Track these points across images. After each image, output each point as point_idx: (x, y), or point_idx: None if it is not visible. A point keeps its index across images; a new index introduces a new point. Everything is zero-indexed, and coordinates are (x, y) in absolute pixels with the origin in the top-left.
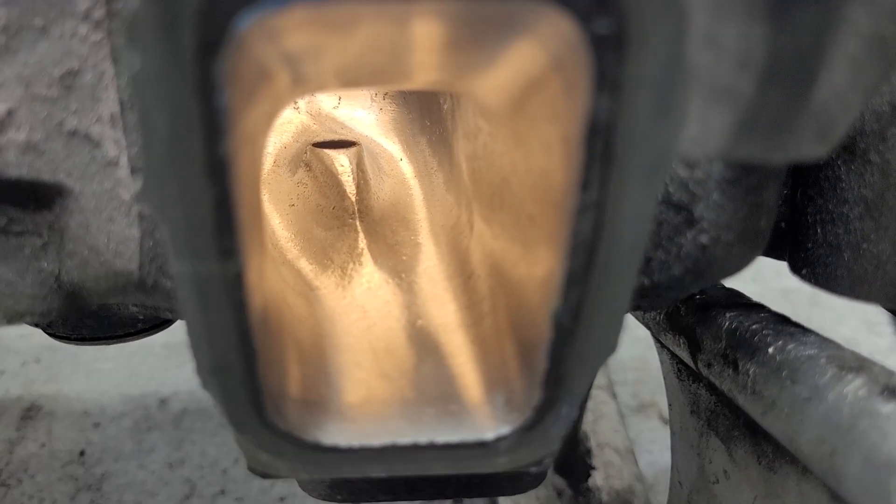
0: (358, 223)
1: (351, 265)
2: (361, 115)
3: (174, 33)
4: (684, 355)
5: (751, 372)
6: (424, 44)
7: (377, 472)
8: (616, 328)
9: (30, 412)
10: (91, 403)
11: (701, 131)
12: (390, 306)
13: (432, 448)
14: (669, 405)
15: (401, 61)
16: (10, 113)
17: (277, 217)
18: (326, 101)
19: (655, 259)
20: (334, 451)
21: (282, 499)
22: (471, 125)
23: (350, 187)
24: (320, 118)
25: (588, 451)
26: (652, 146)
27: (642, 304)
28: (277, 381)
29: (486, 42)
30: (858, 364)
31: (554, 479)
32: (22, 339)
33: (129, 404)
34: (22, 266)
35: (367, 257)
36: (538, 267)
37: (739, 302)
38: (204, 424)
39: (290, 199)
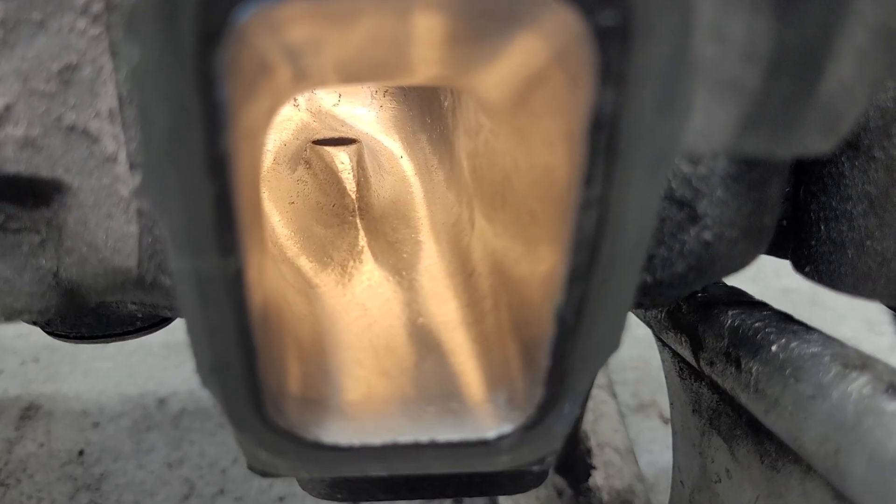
0: (358, 221)
1: (351, 263)
2: (362, 112)
3: (174, 25)
4: (686, 354)
5: (753, 370)
6: (426, 37)
7: (378, 470)
8: (619, 325)
9: (28, 412)
10: (90, 403)
11: (706, 125)
12: (391, 304)
13: (433, 447)
14: (671, 404)
15: (402, 55)
16: (7, 108)
17: (277, 214)
18: (326, 99)
19: (658, 256)
20: (335, 449)
21: (281, 498)
22: (472, 122)
23: (350, 185)
24: (320, 115)
25: (588, 451)
26: (656, 140)
27: (644, 301)
28: (277, 379)
29: (489, 35)
30: (862, 362)
31: (554, 479)
32: (20, 338)
33: (127, 404)
34: (20, 263)
35: (367, 255)
36: (540, 264)
37: (742, 300)
38: (203, 424)
39: (290, 197)
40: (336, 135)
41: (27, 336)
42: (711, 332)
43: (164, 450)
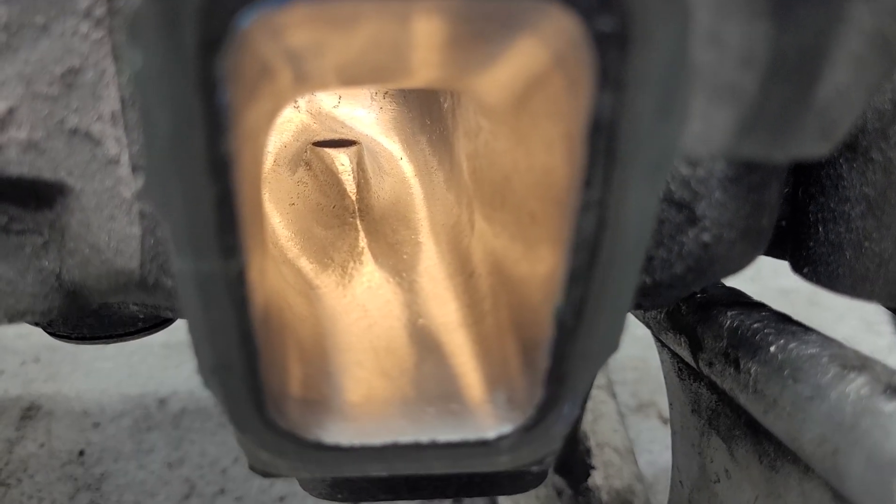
0: (358, 222)
1: (351, 264)
2: (361, 113)
3: (176, 31)
4: (685, 354)
5: (752, 371)
6: (426, 41)
7: (378, 471)
8: (618, 326)
9: (29, 412)
10: (90, 403)
11: (704, 129)
12: (391, 305)
13: (433, 447)
14: (670, 404)
15: (402, 59)
16: (11, 111)
17: (278, 216)
18: (326, 100)
19: (657, 257)
20: (335, 450)
21: (281, 498)
22: (471, 123)
23: (350, 186)
24: (320, 117)
25: (588, 451)
26: (655, 144)
27: (644, 302)
28: (279, 380)
29: (489, 39)
30: (861, 363)
31: (554, 479)
32: (21, 338)
33: (128, 404)
34: (23, 265)
35: (367, 256)
36: (540, 265)
37: (740, 301)
38: (203, 424)
39: (291, 198)
40: (336, 136)
41: (28, 336)
42: (710, 332)
43: (165, 450)
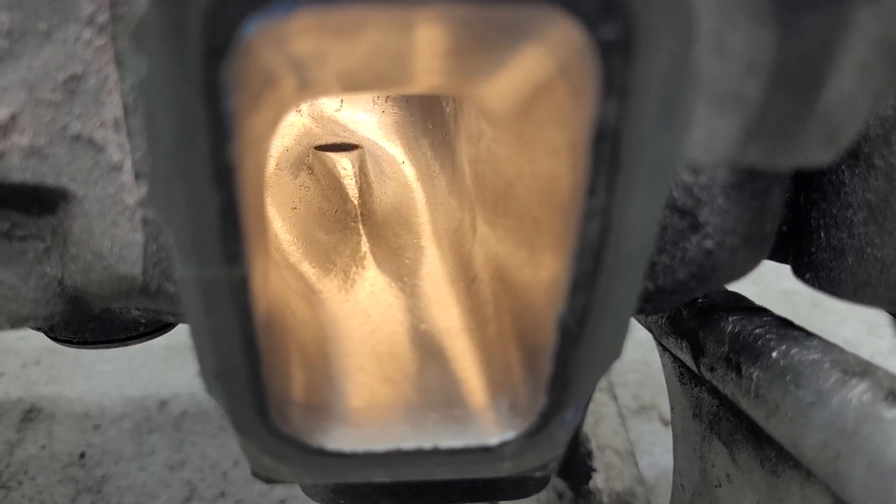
0: (360, 226)
1: (354, 269)
2: (364, 118)
3: (181, 38)
4: (687, 359)
5: (754, 376)
6: (429, 49)
7: (381, 477)
8: (621, 333)
9: (30, 414)
10: (91, 405)
11: (707, 137)
12: (393, 310)
13: (436, 453)
14: (672, 408)
15: (405, 66)
16: (13, 117)
17: (280, 220)
18: (329, 105)
19: (660, 263)
20: (338, 455)
21: (282, 501)
22: (474, 129)
23: (352, 190)
24: (322, 121)
25: (589, 453)
26: (659, 151)
27: (646, 308)
28: (281, 385)
29: (492, 48)
30: (862, 369)
31: (555, 482)
32: (22, 340)
33: (129, 406)
34: (25, 270)
35: (369, 261)
36: (543, 271)
37: (742, 306)
38: (204, 427)
39: (293, 203)
40: (338, 140)
41: (29, 338)
42: (712, 337)
43: (166, 452)
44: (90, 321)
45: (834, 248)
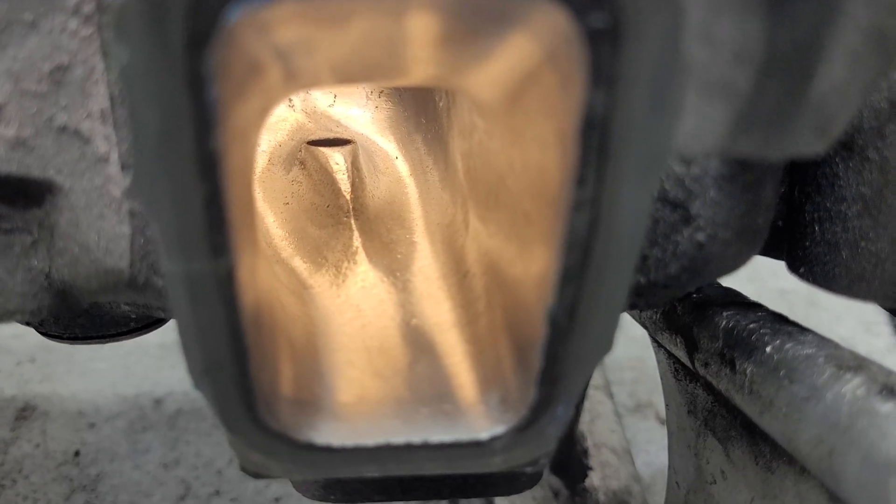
0: (353, 221)
1: (345, 264)
2: (357, 112)
3: (163, 26)
4: (681, 355)
5: (748, 371)
6: (419, 37)
7: (371, 472)
8: (612, 327)
9: (24, 412)
10: (86, 403)
11: (697, 127)
12: (385, 305)
13: (426, 448)
14: (666, 405)
15: (396, 56)
16: None
17: (272, 215)
18: (321, 99)
19: (651, 257)
20: (327, 450)
21: (277, 499)
22: (466, 122)
23: (345, 185)
24: (315, 116)
25: (585, 452)
26: (648, 141)
27: (638, 302)
28: (270, 380)
29: (481, 35)
30: (857, 363)
31: (550, 480)
32: (16, 338)
33: (124, 404)
34: (12, 264)
35: (361, 256)
36: (534, 265)
37: (737, 301)
38: (199, 425)
39: (285, 198)
40: (331, 135)
41: (23, 336)
42: (706, 333)
43: (161, 450)
44: (80, 316)
45: (828, 242)
